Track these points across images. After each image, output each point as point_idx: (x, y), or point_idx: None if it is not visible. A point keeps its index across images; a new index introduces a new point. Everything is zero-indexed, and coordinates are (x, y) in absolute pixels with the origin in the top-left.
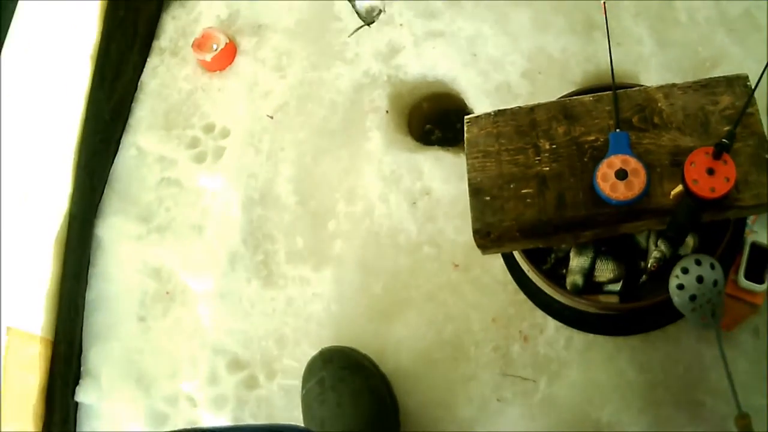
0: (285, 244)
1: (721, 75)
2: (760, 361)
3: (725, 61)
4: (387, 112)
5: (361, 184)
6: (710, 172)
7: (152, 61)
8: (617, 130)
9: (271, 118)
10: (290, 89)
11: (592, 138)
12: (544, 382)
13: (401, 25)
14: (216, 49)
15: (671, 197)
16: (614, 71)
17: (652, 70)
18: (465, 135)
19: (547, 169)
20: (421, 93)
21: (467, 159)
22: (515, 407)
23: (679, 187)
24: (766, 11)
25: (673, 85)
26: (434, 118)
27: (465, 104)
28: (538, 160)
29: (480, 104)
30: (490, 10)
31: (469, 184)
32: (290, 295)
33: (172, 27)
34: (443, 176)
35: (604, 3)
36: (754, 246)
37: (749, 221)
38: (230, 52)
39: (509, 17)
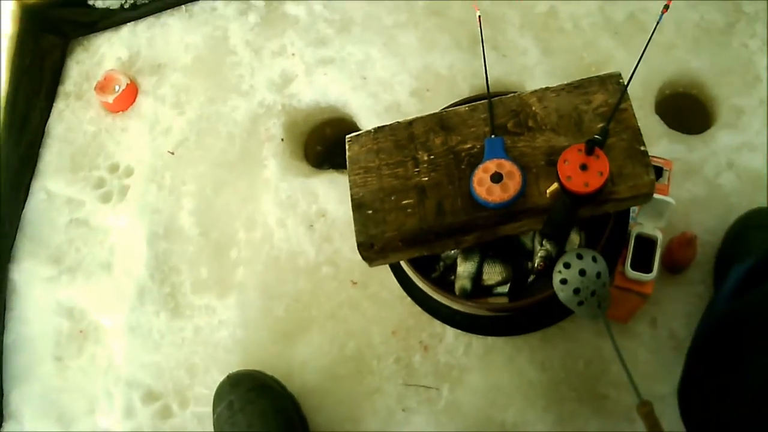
0: (190, 275)
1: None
2: (659, 350)
3: (610, 65)
4: (282, 140)
5: (259, 211)
6: (583, 167)
7: (58, 106)
8: (492, 136)
9: (172, 153)
10: (189, 125)
11: (469, 146)
12: (447, 389)
13: (293, 54)
14: (118, 91)
15: (547, 195)
16: (501, 82)
17: (537, 78)
18: (347, 153)
19: (426, 179)
20: (315, 119)
21: (349, 176)
22: (420, 416)
23: (555, 185)
24: (650, 13)
25: (546, 88)
26: (330, 143)
27: (357, 127)
28: (417, 171)
29: (371, 125)
30: (378, 33)
31: (352, 200)
32: (198, 325)
33: (76, 71)
34: (338, 198)
35: (479, 17)
36: (639, 237)
37: (633, 214)
38: (131, 92)
39: (397, 39)
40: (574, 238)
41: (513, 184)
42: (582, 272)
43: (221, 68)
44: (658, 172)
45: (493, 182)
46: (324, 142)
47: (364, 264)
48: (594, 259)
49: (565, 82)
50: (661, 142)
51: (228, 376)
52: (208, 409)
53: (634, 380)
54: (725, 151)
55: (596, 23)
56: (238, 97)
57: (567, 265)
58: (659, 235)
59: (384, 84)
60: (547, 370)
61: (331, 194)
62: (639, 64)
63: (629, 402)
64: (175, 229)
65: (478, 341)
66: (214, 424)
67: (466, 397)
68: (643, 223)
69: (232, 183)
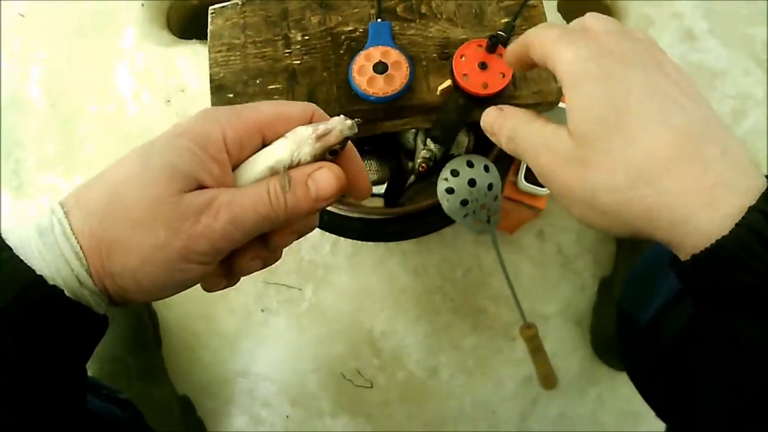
0: (35, 150)
1: None
2: (546, 265)
3: None
4: (143, 5)
5: (113, 83)
6: (483, 66)
7: None
8: (379, 19)
9: (23, 16)
10: None
11: (350, 28)
12: (311, 289)
13: None
14: None
15: (438, 93)
16: None
17: None
18: (209, 27)
19: (298, 62)
20: None
21: (209, 53)
22: (281, 318)
23: (447, 82)
24: None
25: None
26: (197, 10)
27: None
28: (288, 53)
29: None
30: None
31: (211, 80)
32: (42, 206)
33: None
34: (200, 72)
35: None
36: None
37: None
38: None
39: None
40: (463, 139)
41: (399, 76)
42: (472, 182)
43: None
44: None
45: (376, 73)
46: (189, 10)
47: None
48: (486, 169)
49: None
50: None
51: None
52: None
53: (519, 299)
54: None
55: None
56: None
57: (455, 173)
58: None
59: None
60: (420, 276)
61: (193, 68)
62: None
63: (510, 318)
64: (22, 101)
65: (346, 240)
66: None
67: (331, 299)
68: None
69: (86, 52)
